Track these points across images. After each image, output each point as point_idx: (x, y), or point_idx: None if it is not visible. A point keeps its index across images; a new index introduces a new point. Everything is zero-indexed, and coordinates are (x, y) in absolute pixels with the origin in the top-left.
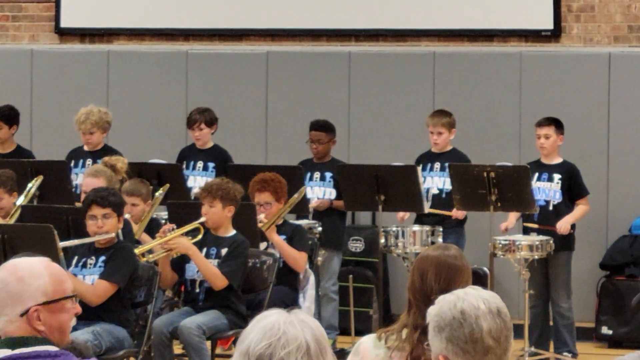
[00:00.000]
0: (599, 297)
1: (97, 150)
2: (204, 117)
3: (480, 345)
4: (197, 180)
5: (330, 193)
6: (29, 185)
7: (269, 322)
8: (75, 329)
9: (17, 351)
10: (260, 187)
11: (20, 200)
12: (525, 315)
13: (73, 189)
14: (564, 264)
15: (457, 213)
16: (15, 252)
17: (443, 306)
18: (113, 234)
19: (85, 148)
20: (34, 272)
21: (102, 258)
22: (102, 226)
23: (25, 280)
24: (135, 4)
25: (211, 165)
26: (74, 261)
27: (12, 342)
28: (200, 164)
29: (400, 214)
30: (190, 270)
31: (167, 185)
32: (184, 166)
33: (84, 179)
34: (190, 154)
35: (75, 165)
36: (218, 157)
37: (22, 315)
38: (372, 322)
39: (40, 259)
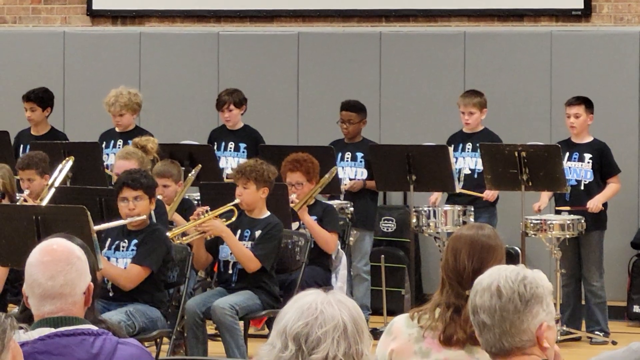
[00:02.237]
0: (631, 275)
1: (128, 132)
2: (233, 99)
3: (477, 319)
4: (228, 161)
5: (362, 173)
6: (59, 166)
7: (306, 301)
8: (108, 309)
9: (62, 329)
10: (293, 167)
11: (51, 181)
12: (557, 294)
13: (105, 170)
14: (595, 243)
15: (488, 195)
16: (49, 234)
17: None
18: (145, 217)
19: (117, 129)
20: (78, 249)
21: (135, 241)
22: (134, 208)
23: (82, 258)
24: None
25: (242, 145)
26: (107, 243)
27: (54, 322)
28: (231, 145)
29: (432, 197)
30: (223, 251)
31: (199, 166)
32: (215, 147)
33: (116, 161)
34: (221, 135)
35: (107, 146)
36: (249, 138)
37: (84, 292)
38: (404, 301)
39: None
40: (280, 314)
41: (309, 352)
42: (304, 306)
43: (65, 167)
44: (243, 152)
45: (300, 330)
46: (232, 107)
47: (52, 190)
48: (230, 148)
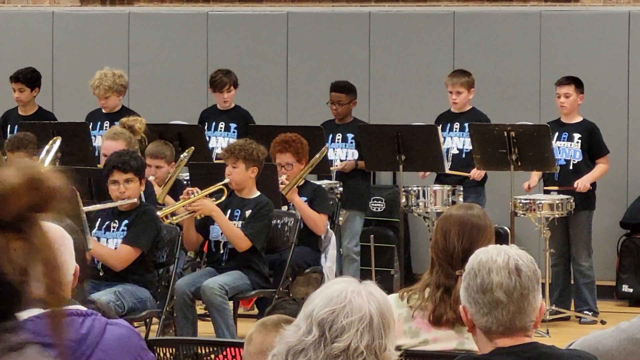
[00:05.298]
0: (620, 255)
1: (115, 113)
2: (230, 79)
3: (489, 296)
4: (219, 141)
5: (353, 154)
6: (46, 147)
7: (336, 289)
8: (98, 290)
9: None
10: (282, 148)
11: (39, 162)
12: (546, 274)
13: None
14: (584, 223)
15: (475, 174)
16: None
17: (472, 257)
18: (136, 199)
19: (103, 110)
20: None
21: (125, 222)
22: (125, 191)
23: (70, 239)
24: None
25: (233, 125)
26: (97, 224)
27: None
28: (222, 125)
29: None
30: (214, 231)
31: (192, 149)
32: (206, 127)
33: (103, 142)
34: (211, 115)
35: (93, 128)
36: (240, 118)
37: (73, 274)
38: (394, 281)
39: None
40: (310, 298)
41: (332, 340)
42: (333, 293)
43: (52, 147)
44: (233, 132)
45: (326, 316)
46: (231, 88)
47: None
48: (221, 128)
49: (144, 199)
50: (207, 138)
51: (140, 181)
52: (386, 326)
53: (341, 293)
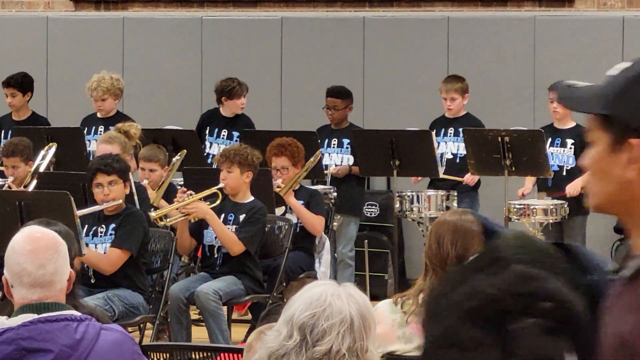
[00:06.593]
0: (614, 260)
1: (110, 117)
2: (245, 85)
3: None
4: (221, 148)
5: (348, 160)
6: (42, 152)
7: (316, 292)
8: (91, 293)
9: (45, 315)
10: (278, 151)
11: (35, 167)
12: None
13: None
14: (578, 228)
15: (467, 179)
16: (32, 219)
17: None
18: (121, 201)
19: (98, 115)
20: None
21: (113, 225)
22: (109, 194)
23: (64, 244)
24: None
25: (236, 134)
26: (84, 230)
27: (37, 308)
28: (224, 133)
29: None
30: (208, 236)
31: (184, 152)
32: (207, 132)
33: (98, 145)
34: (214, 120)
35: (88, 132)
36: (243, 126)
37: (67, 279)
38: (388, 286)
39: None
40: (289, 302)
41: (313, 344)
42: (313, 297)
43: (48, 153)
44: (236, 140)
45: (307, 320)
46: (246, 94)
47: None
48: (223, 136)
49: (138, 204)
50: (209, 144)
51: (125, 184)
52: (367, 328)
53: (321, 296)
